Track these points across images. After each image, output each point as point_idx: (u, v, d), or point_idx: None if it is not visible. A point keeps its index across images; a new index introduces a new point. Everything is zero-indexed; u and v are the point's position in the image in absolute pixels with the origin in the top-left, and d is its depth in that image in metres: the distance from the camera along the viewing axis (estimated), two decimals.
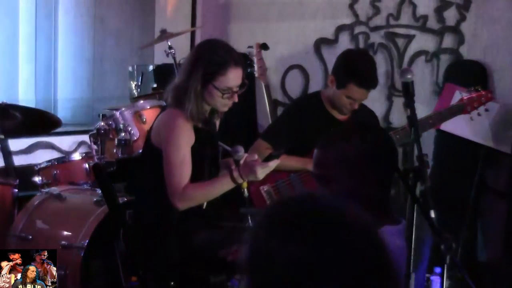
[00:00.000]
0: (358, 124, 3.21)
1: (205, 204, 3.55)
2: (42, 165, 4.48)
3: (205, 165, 3.45)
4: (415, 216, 2.99)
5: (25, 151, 5.36)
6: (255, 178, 3.34)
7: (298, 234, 1.35)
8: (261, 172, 3.32)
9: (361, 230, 1.39)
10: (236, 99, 3.43)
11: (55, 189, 4.21)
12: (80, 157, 4.50)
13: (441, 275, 4.06)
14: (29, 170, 4.54)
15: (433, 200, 4.30)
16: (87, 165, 4.39)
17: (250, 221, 3.58)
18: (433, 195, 4.80)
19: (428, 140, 4.93)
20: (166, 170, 3.33)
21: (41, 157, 5.21)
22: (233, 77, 3.37)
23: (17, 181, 4.34)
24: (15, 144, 5.07)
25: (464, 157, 4.64)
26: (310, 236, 1.34)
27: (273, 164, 3.36)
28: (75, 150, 5.33)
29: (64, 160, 4.54)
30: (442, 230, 2.59)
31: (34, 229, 4.04)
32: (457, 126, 4.32)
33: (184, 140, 3.35)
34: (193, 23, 5.81)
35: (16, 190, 4.32)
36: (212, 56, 3.37)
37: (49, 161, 4.52)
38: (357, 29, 5.30)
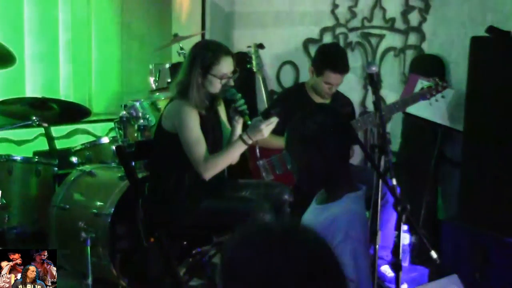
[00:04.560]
0: (313, 107, 3.16)
1: None
2: (78, 148, 4.52)
3: (208, 146, 3.41)
4: (380, 184, 3.01)
5: (66, 136, 5.39)
6: (262, 136, 3.31)
7: (264, 250, 1.32)
8: (266, 129, 3.30)
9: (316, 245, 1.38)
10: (232, 83, 3.42)
11: (88, 167, 4.26)
12: (108, 141, 4.54)
13: (407, 231, 4.09)
14: (68, 152, 4.57)
15: (400, 170, 4.32)
16: (113, 147, 4.42)
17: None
18: (401, 166, 4.83)
19: (397, 121, 4.94)
20: (187, 151, 3.32)
21: (79, 141, 5.24)
22: (226, 65, 3.38)
23: (57, 161, 4.38)
24: (57, 131, 5.11)
25: (426, 134, 4.65)
26: (275, 251, 1.31)
27: (274, 120, 3.32)
28: (106, 135, 5.34)
29: (95, 143, 4.57)
30: (400, 195, 2.59)
31: (71, 200, 4.09)
32: (420, 109, 4.32)
33: (194, 123, 3.34)
34: (203, 28, 5.79)
35: (56, 169, 4.38)
36: (206, 52, 3.37)
37: (83, 144, 4.56)
38: (338, 30, 5.28)
